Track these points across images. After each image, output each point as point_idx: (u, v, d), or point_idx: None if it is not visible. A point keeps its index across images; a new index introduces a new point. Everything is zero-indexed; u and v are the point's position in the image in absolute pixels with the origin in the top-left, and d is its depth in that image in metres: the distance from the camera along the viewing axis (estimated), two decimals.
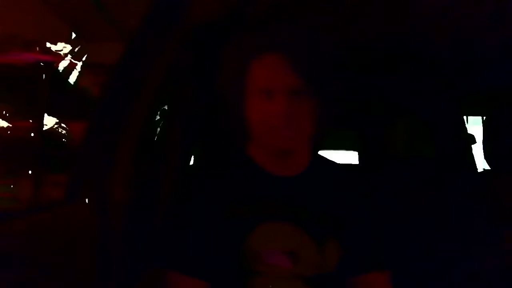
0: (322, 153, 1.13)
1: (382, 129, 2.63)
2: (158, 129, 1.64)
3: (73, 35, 3.63)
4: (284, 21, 1.01)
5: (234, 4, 1.27)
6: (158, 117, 1.70)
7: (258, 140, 1.01)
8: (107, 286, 0.92)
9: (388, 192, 1.82)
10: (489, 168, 1.68)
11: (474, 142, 2.21)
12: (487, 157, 1.63)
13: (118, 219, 0.94)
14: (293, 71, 0.92)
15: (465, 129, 2.09)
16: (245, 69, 0.96)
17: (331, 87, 0.97)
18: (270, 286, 0.94)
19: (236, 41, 1.00)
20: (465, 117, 2.26)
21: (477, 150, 1.93)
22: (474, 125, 2.84)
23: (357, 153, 3.37)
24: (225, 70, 1.00)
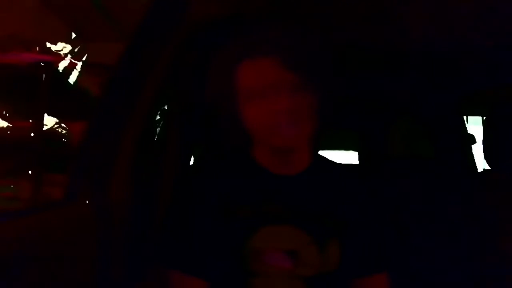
0: (322, 153, 1.12)
1: (382, 129, 2.63)
2: (158, 129, 1.64)
3: (73, 35, 3.63)
4: (282, 21, 1.00)
5: (234, 4, 1.27)
6: (158, 117, 1.70)
7: (259, 140, 1.01)
8: (107, 286, 0.92)
9: (388, 192, 1.82)
10: (489, 168, 1.68)
11: (474, 142, 2.21)
12: (487, 157, 1.63)
13: (118, 219, 0.95)
14: (291, 67, 0.92)
15: (465, 129, 2.09)
16: (238, 71, 0.96)
17: (331, 81, 0.97)
18: None
19: (226, 46, 0.99)
20: (465, 117, 2.27)
21: (477, 150, 1.93)
22: (474, 125, 2.85)
23: (357, 153, 3.38)
24: (215, 75, 1.00)
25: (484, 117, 1.75)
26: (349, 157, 3.78)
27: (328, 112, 0.98)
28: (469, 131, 2.15)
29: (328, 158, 1.12)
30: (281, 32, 0.96)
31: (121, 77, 1.03)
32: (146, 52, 1.06)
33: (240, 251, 0.95)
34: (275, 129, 0.93)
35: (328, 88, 0.97)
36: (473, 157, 2.07)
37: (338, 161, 1.14)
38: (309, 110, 0.94)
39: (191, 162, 1.96)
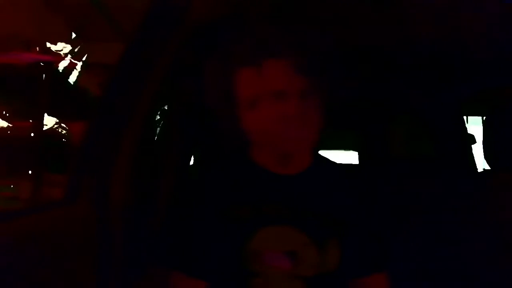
0: (322, 153, 1.12)
1: (382, 129, 2.64)
2: (158, 129, 1.64)
3: (73, 35, 3.63)
4: (282, 21, 0.99)
5: (235, 4, 1.27)
6: (158, 117, 1.70)
7: (261, 144, 0.99)
8: (107, 286, 0.92)
9: (388, 192, 1.82)
10: (489, 168, 1.68)
11: (474, 142, 2.21)
12: (487, 157, 1.63)
13: (118, 219, 0.94)
14: (302, 71, 0.89)
15: (465, 129, 2.09)
16: (241, 77, 0.93)
17: (338, 83, 0.96)
18: None
19: (226, 49, 0.96)
20: (465, 117, 2.27)
21: (477, 150, 1.93)
22: (474, 125, 2.85)
23: (357, 153, 3.38)
24: (214, 80, 0.97)
25: (484, 117, 1.75)
26: (349, 157, 3.78)
27: (330, 112, 0.97)
28: (469, 131, 2.15)
29: (328, 158, 1.12)
30: (292, 33, 0.92)
31: (121, 77, 1.03)
32: (146, 52, 1.06)
33: (240, 252, 0.95)
34: (282, 135, 0.91)
35: (335, 89, 0.96)
36: (473, 157, 2.07)
37: (338, 161, 1.14)
38: (316, 112, 0.93)
39: (191, 163, 1.96)
